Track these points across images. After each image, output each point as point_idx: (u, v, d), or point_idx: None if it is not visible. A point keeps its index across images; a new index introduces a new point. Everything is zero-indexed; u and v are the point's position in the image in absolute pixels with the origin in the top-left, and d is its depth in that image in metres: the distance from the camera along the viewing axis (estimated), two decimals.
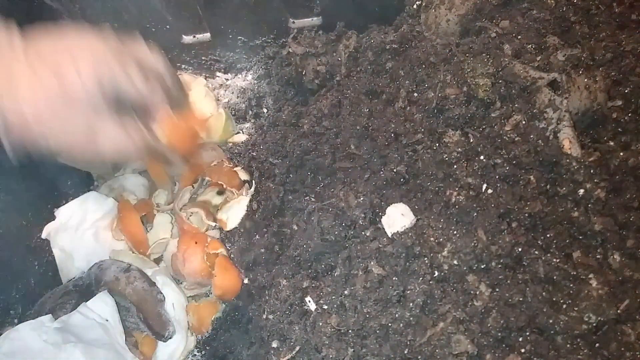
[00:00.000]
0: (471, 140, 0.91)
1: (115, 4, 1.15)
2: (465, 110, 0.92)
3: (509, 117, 0.90)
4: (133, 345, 0.97)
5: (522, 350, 0.76)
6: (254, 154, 1.12)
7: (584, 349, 0.75)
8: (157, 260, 1.13)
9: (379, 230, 0.89)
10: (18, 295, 1.00)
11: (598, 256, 0.80)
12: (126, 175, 1.23)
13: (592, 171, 0.84)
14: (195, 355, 1.05)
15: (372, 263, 0.85)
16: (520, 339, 0.76)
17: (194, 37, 1.29)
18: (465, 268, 0.81)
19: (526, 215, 0.83)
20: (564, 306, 0.77)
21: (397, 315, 0.80)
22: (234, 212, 1.09)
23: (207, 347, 1.03)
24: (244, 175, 1.13)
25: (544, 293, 0.78)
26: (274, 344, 0.91)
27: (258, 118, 1.27)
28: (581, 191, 0.83)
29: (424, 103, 0.96)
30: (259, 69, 1.31)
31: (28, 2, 1.05)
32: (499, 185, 0.86)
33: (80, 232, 1.09)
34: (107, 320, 0.93)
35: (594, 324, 0.75)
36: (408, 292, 0.81)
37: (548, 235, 0.82)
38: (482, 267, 0.81)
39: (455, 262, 0.81)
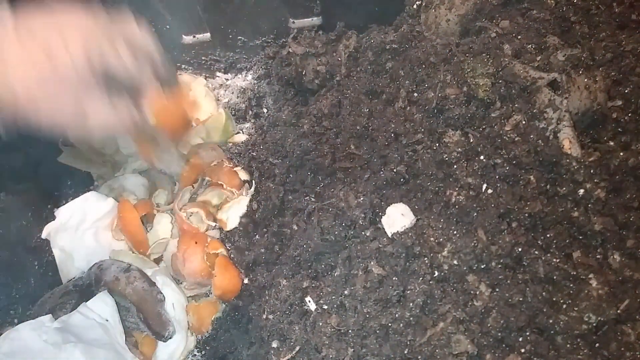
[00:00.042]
0: (471, 140, 0.91)
1: (115, 4, 1.15)
2: (465, 110, 0.92)
3: (509, 117, 0.90)
4: (133, 345, 0.98)
5: (522, 350, 0.76)
6: (254, 154, 1.12)
7: (584, 349, 0.75)
8: (157, 260, 1.13)
9: (379, 230, 0.89)
10: (18, 295, 1.00)
11: (598, 256, 0.80)
12: (126, 175, 1.23)
13: (592, 171, 0.84)
14: (195, 355, 1.05)
15: (372, 263, 0.85)
16: (520, 339, 0.76)
17: (194, 37, 1.29)
18: (465, 268, 0.81)
19: (526, 215, 0.83)
20: (564, 306, 0.77)
21: (397, 315, 0.80)
22: (234, 212, 1.09)
23: (207, 347, 1.03)
24: (244, 175, 1.13)
25: (544, 293, 0.78)
26: (274, 344, 0.91)
27: (258, 118, 1.27)
28: (581, 191, 0.83)
29: (424, 103, 0.96)
30: (259, 69, 1.31)
31: None
32: (499, 185, 0.86)
33: (80, 232, 1.09)
34: (107, 320, 0.93)
35: (594, 324, 0.75)
36: (408, 292, 0.81)
37: (548, 235, 0.82)
38: (482, 267, 0.81)
39: (455, 262, 0.81)
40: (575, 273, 0.78)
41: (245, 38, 1.29)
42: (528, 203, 0.83)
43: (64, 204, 1.12)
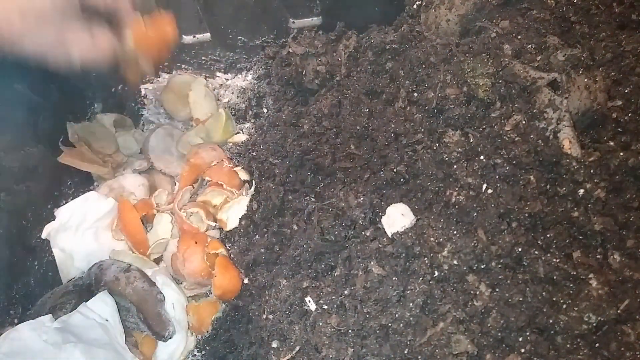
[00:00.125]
0: (471, 140, 0.91)
1: None
2: (465, 110, 0.92)
3: (509, 117, 0.90)
4: (133, 345, 0.98)
5: (522, 350, 0.76)
6: (254, 154, 1.12)
7: (584, 349, 0.75)
8: (157, 260, 1.13)
9: (379, 230, 0.89)
10: (18, 295, 1.00)
11: (598, 256, 0.80)
12: (126, 175, 1.23)
13: (592, 171, 0.84)
14: (195, 355, 1.05)
15: (372, 263, 0.85)
16: (520, 339, 0.76)
17: (194, 37, 1.29)
18: (465, 268, 0.81)
19: (526, 215, 0.83)
20: (564, 306, 0.77)
21: (397, 315, 0.80)
22: (234, 212, 1.09)
23: (207, 347, 1.03)
24: (244, 175, 1.13)
25: (544, 293, 0.78)
26: (274, 344, 0.91)
27: (258, 118, 1.27)
28: (581, 191, 0.83)
29: (424, 103, 0.96)
30: (259, 69, 1.31)
31: None
32: (499, 185, 0.86)
33: (80, 232, 1.09)
34: (107, 320, 0.93)
35: (594, 324, 0.75)
36: (408, 292, 0.81)
37: (548, 235, 0.82)
38: (482, 267, 0.81)
39: (455, 262, 0.81)
40: (575, 273, 0.78)
41: (245, 38, 1.29)
42: (528, 203, 0.83)
43: (64, 204, 1.12)
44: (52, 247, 1.09)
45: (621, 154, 0.86)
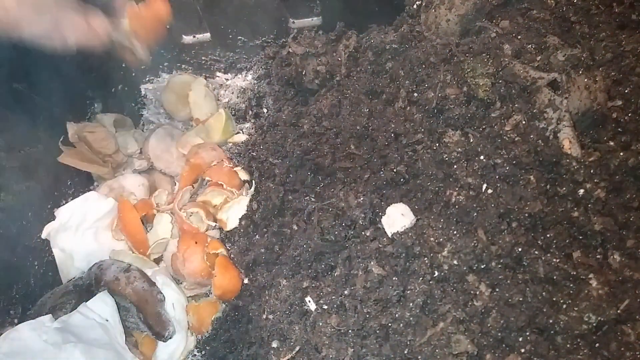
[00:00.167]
0: (471, 140, 0.91)
1: None
2: (465, 110, 0.92)
3: (509, 117, 0.90)
4: (133, 345, 0.98)
5: (522, 350, 0.76)
6: (254, 154, 1.12)
7: (584, 349, 0.75)
8: (157, 260, 1.13)
9: (379, 230, 0.89)
10: (18, 295, 1.00)
11: (598, 256, 0.80)
12: (126, 175, 1.23)
13: (592, 171, 0.84)
14: (195, 355, 1.05)
15: (372, 263, 0.85)
16: (520, 339, 0.76)
17: (194, 37, 1.29)
18: (465, 268, 0.81)
19: (526, 215, 0.83)
20: (564, 306, 0.77)
21: (397, 315, 0.80)
22: (234, 212, 1.09)
23: (207, 347, 1.03)
24: (244, 175, 1.13)
25: (544, 293, 0.78)
26: (274, 344, 0.91)
27: (258, 118, 1.27)
28: (581, 191, 0.83)
29: (424, 103, 0.96)
30: (259, 69, 1.31)
31: None
32: (499, 185, 0.86)
33: (80, 232, 1.09)
34: (107, 320, 0.93)
35: (594, 324, 0.75)
36: (408, 292, 0.81)
37: (548, 235, 0.82)
38: (482, 267, 0.81)
39: (455, 262, 0.81)
40: (575, 273, 0.78)
41: (245, 38, 1.29)
42: (528, 203, 0.83)
43: (64, 204, 1.12)
44: (52, 247, 1.09)
45: (621, 154, 0.86)
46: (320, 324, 0.86)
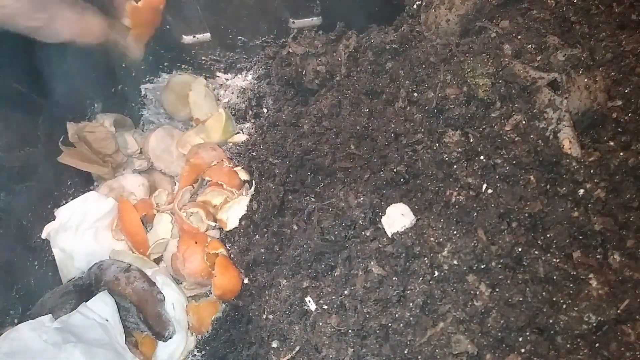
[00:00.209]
0: (471, 140, 0.91)
1: None
2: (465, 110, 0.92)
3: (509, 117, 0.90)
4: (133, 345, 0.97)
5: (522, 350, 0.76)
6: (254, 154, 1.12)
7: (584, 349, 0.75)
8: (157, 260, 1.13)
9: (379, 230, 0.89)
10: (18, 295, 1.00)
11: (598, 256, 0.80)
12: (126, 175, 1.23)
13: (592, 171, 0.84)
14: (195, 355, 1.05)
15: (372, 263, 0.85)
16: (520, 339, 0.76)
17: (194, 37, 1.29)
18: (465, 268, 0.81)
19: (526, 215, 0.83)
20: (564, 306, 0.77)
21: (397, 315, 0.80)
22: (234, 212, 1.09)
23: (207, 347, 1.03)
24: (244, 175, 1.13)
25: (544, 293, 0.78)
26: (274, 344, 0.91)
27: (258, 118, 1.27)
28: (581, 191, 0.83)
29: (424, 103, 0.96)
30: (259, 69, 1.31)
31: None
32: (499, 185, 0.86)
33: (80, 232, 1.09)
34: (107, 320, 0.93)
35: (594, 324, 0.75)
36: (408, 292, 0.81)
37: (548, 235, 0.82)
38: (482, 267, 0.81)
39: (455, 262, 0.81)
40: (575, 273, 0.78)
41: (245, 38, 1.29)
42: (528, 203, 0.83)
43: (64, 204, 1.12)
44: (52, 247, 1.09)
45: (621, 154, 0.86)
46: (320, 324, 0.86)
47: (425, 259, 0.83)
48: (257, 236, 1.04)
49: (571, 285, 0.78)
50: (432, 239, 0.84)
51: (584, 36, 0.97)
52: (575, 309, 0.76)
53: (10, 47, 0.96)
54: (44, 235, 1.08)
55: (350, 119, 1.02)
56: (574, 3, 0.99)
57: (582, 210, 0.83)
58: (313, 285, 0.91)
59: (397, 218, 0.87)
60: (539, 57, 0.93)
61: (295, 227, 0.99)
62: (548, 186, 0.85)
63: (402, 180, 0.93)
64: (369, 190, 0.93)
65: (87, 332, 0.89)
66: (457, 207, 0.87)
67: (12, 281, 1.00)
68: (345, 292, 0.86)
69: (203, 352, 1.04)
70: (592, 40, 0.97)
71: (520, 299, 0.78)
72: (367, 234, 0.90)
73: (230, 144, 1.26)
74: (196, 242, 1.06)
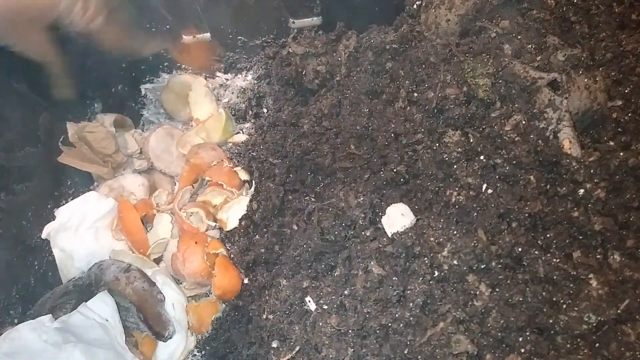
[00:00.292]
0: (471, 140, 0.91)
1: (115, 4, 1.15)
2: (465, 110, 0.92)
3: (509, 117, 0.90)
4: (133, 345, 0.97)
5: (522, 350, 0.76)
6: (254, 154, 1.12)
7: (584, 349, 0.75)
8: (157, 260, 1.13)
9: (379, 230, 0.89)
10: (18, 295, 1.00)
11: (598, 256, 0.80)
12: (126, 175, 1.23)
13: (592, 171, 0.84)
14: (195, 355, 1.05)
15: (372, 263, 0.85)
16: (520, 339, 0.76)
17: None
18: (465, 268, 0.81)
19: (526, 215, 0.83)
20: (564, 306, 0.77)
21: (397, 315, 0.80)
22: (234, 212, 1.09)
23: (207, 347, 1.03)
24: (244, 175, 1.13)
25: (544, 293, 0.78)
26: (274, 344, 0.91)
27: (258, 118, 1.27)
28: (581, 191, 0.83)
29: (424, 103, 0.96)
30: (259, 69, 1.31)
31: None
32: (499, 185, 0.86)
33: (80, 232, 1.09)
34: (107, 320, 0.93)
35: (594, 324, 0.75)
36: (408, 292, 0.81)
37: (548, 235, 0.82)
38: (482, 267, 0.81)
39: (455, 262, 0.81)
40: (575, 273, 0.78)
41: (245, 38, 1.29)
42: (528, 203, 0.83)
43: (64, 204, 1.12)
44: (52, 247, 1.09)
45: (621, 154, 0.86)
46: (320, 324, 0.86)
47: (425, 259, 0.83)
48: (257, 236, 1.04)
49: (571, 285, 0.78)
50: (432, 239, 0.84)
51: (584, 36, 0.97)
52: (575, 309, 0.76)
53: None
54: (44, 235, 1.08)
55: (350, 119, 1.02)
56: (574, 3, 0.99)
57: (582, 210, 0.83)
58: (313, 285, 0.91)
59: (397, 218, 0.87)
60: (539, 57, 0.93)
61: (295, 227, 0.99)
62: (548, 186, 0.85)
63: (402, 180, 0.93)
64: (369, 190, 0.93)
65: (87, 332, 0.89)
66: (457, 207, 0.87)
67: (12, 281, 1.00)
68: (345, 292, 0.86)
69: (203, 352, 1.04)
70: (592, 40, 0.97)
71: (520, 299, 0.78)
72: (367, 234, 0.90)
73: (230, 144, 1.25)
74: (196, 242, 1.06)
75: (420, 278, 0.82)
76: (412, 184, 0.92)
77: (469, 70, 0.94)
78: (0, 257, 0.99)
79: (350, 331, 0.83)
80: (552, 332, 0.76)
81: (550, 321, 0.76)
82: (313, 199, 1.00)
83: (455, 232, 0.83)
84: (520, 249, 0.81)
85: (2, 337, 0.85)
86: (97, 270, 1.02)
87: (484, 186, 0.86)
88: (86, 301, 0.94)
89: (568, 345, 0.75)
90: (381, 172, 0.95)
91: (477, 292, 0.80)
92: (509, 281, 0.80)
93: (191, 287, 1.10)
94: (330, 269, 0.92)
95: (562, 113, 0.88)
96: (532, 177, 0.85)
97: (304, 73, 1.18)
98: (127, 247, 1.11)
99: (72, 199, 1.13)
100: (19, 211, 1.04)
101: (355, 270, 0.87)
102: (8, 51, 0.96)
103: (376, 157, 0.97)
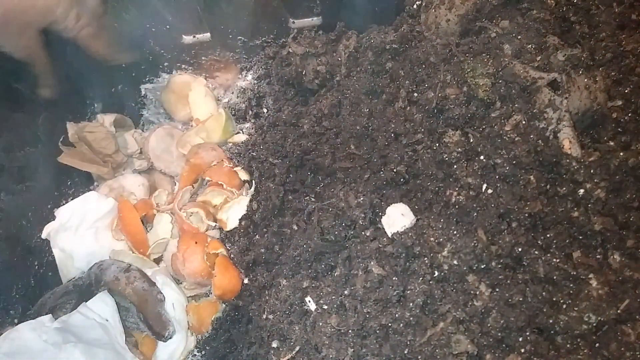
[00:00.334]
0: (471, 140, 0.91)
1: (115, 4, 1.15)
2: (465, 110, 0.92)
3: (509, 117, 0.90)
4: (133, 345, 0.97)
5: (522, 350, 0.76)
6: (254, 154, 1.12)
7: (584, 349, 0.75)
8: (157, 260, 1.13)
9: (379, 230, 0.89)
10: (18, 295, 1.00)
11: (598, 256, 0.80)
12: (126, 175, 1.23)
13: (592, 171, 0.84)
14: (195, 355, 1.05)
15: (372, 263, 0.85)
16: (520, 339, 0.76)
17: (194, 37, 1.29)
18: (465, 268, 0.81)
19: (526, 215, 0.83)
20: (564, 306, 0.77)
21: (397, 315, 0.80)
22: (234, 212, 1.09)
23: (207, 347, 1.03)
24: (244, 175, 1.13)
25: (544, 293, 0.78)
26: (274, 344, 0.91)
27: (258, 118, 1.27)
28: (581, 191, 0.83)
29: (424, 103, 0.96)
30: (259, 69, 1.31)
31: None
32: (499, 185, 0.86)
33: (80, 232, 1.09)
34: (107, 320, 0.93)
35: (594, 324, 0.75)
36: (408, 292, 0.81)
37: (548, 235, 0.82)
38: (482, 267, 0.81)
39: (455, 262, 0.81)
40: (575, 273, 0.78)
41: (245, 38, 1.29)
42: (528, 203, 0.83)
43: (64, 204, 1.12)
44: (52, 247, 1.09)
45: (621, 154, 0.86)
46: (320, 324, 0.86)
47: (425, 259, 0.83)
48: (257, 236, 1.04)
49: (571, 285, 0.78)
50: (432, 239, 0.84)
51: (584, 36, 0.97)
52: (575, 309, 0.76)
53: None
54: (44, 235, 1.08)
55: (350, 119, 1.02)
56: (574, 3, 0.99)
57: (582, 210, 0.83)
58: (313, 285, 0.91)
59: (397, 218, 0.87)
60: (539, 57, 0.93)
61: (295, 227, 0.99)
62: (548, 186, 0.85)
63: (402, 180, 0.93)
64: (369, 190, 0.93)
65: (87, 332, 0.89)
66: (457, 207, 0.87)
67: (12, 281, 1.00)
68: (345, 292, 0.86)
69: (203, 352, 1.04)
70: (592, 40, 0.97)
71: (520, 299, 0.78)
72: (367, 234, 0.90)
73: (230, 144, 1.25)
74: (196, 242, 1.06)
75: (420, 278, 0.82)
76: (412, 184, 0.92)
77: (469, 70, 0.94)
78: (0, 257, 0.98)
79: (350, 331, 0.83)
80: (552, 332, 0.76)
81: (550, 321, 0.76)
82: (313, 199, 1.00)
83: (455, 232, 0.83)
84: (520, 249, 0.81)
85: (2, 337, 0.85)
86: (97, 270, 1.02)
87: (484, 186, 0.86)
88: (86, 301, 0.94)
89: (568, 345, 0.75)
90: (381, 172, 0.95)
91: (477, 292, 0.80)
92: (509, 281, 0.80)
93: (191, 287, 1.10)
94: (330, 269, 0.92)
95: (562, 113, 0.88)
96: (532, 177, 0.85)
97: (304, 73, 1.18)
98: (127, 247, 1.11)
99: (72, 199, 1.13)
100: (19, 211, 1.04)
101: (355, 270, 0.87)
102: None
103: (376, 157, 0.97)
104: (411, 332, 0.79)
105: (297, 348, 0.88)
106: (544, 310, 0.77)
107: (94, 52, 1.08)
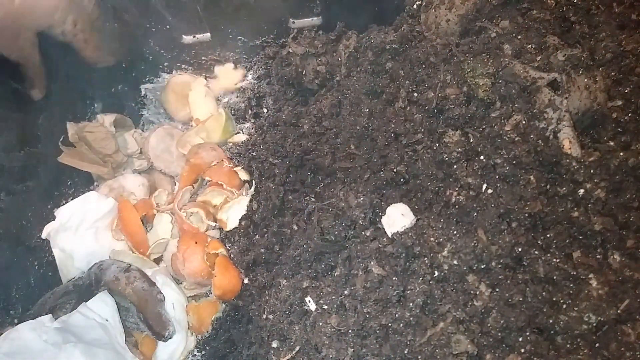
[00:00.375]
0: (471, 140, 0.91)
1: (115, 4, 1.15)
2: (465, 110, 0.92)
3: (509, 117, 0.90)
4: (133, 345, 0.97)
5: (522, 350, 0.76)
6: (254, 154, 1.12)
7: (584, 349, 0.75)
8: (157, 260, 1.13)
9: (379, 230, 0.89)
10: (18, 295, 1.00)
11: (598, 256, 0.80)
12: (126, 175, 1.23)
13: (592, 171, 0.84)
14: (195, 355, 1.05)
15: (372, 263, 0.85)
16: (520, 339, 0.76)
17: (194, 37, 1.29)
18: (465, 268, 0.81)
19: (526, 215, 0.83)
20: (564, 306, 0.77)
21: (397, 315, 0.80)
22: (234, 212, 1.09)
23: (207, 347, 1.03)
24: (244, 175, 1.13)
25: (544, 293, 0.78)
26: (274, 344, 0.91)
27: (258, 118, 1.27)
28: (581, 191, 0.83)
29: (424, 103, 0.96)
30: (259, 69, 1.31)
31: None
32: (499, 185, 0.86)
33: (80, 232, 1.09)
34: (107, 320, 0.93)
35: (594, 324, 0.75)
36: (408, 292, 0.81)
37: (548, 235, 0.82)
38: (482, 267, 0.81)
39: (455, 262, 0.81)
40: (575, 273, 0.78)
41: (245, 38, 1.29)
42: (528, 203, 0.83)
43: (64, 204, 1.12)
44: (52, 247, 1.09)
45: (621, 154, 0.86)
46: (320, 324, 0.86)
47: (425, 259, 0.83)
48: (257, 236, 1.04)
49: (571, 285, 0.78)
50: (432, 239, 0.84)
51: (584, 36, 0.97)
52: (575, 309, 0.76)
53: None
54: (44, 235, 1.08)
55: (350, 119, 1.02)
56: (574, 3, 0.99)
57: (582, 210, 0.83)
58: (313, 285, 0.91)
59: (397, 218, 0.87)
60: (539, 57, 0.93)
61: (295, 227, 0.99)
62: (548, 186, 0.85)
63: (402, 180, 0.93)
64: (369, 190, 0.93)
65: (87, 332, 0.89)
66: (457, 207, 0.87)
67: (12, 281, 1.00)
68: (345, 292, 0.86)
69: (203, 352, 1.04)
70: (592, 40, 0.97)
71: (520, 299, 0.78)
72: (367, 234, 0.90)
73: (230, 144, 1.26)
74: (196, 242, 1.06)
75: (420, 278, 0.82)
76: (412, 184, 0.92)
77: (469, 70, 0.94)
78: (0, 257, 0.98)
79: (350, 331, 0.83)
80: (552, 332, 0.76)
81: (550, 321, 0.76)
82: (313, 199, 1.00)
83: (455, 232, 0.83)
84: (520, 249, 0.81)
85: (2, 337, 0.85)
86: (97, 270, 1.02)
87: (484, 186, 0.86)
88: (86, 301, 0.94)
89: (568, 345, 0.75)
90: (381, 172, 0.95)
91: (477, 292, 0.80)
92: (509, 281, 0.80)
93: (191, 287, 1.10)
94: (330, 269, 0.92)
95: (562, 113, 0.88)
96: (532, 177, 0.85)
97: (304, 73, 1.18)
98: (127, 247, 1.11)
99: (72, 199, 1.13)
100: (19, 211, 1.04)
101: (355, 270, 0.87)
102: None
103: (376, 157, 0.97)
104: (411, 332, 0.79)
105: (297, 348, 0.88)
106: (544, 310, 0.77)
107: (84, 56, 1.10)
